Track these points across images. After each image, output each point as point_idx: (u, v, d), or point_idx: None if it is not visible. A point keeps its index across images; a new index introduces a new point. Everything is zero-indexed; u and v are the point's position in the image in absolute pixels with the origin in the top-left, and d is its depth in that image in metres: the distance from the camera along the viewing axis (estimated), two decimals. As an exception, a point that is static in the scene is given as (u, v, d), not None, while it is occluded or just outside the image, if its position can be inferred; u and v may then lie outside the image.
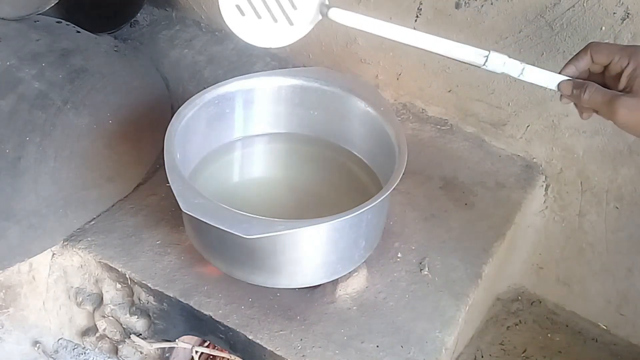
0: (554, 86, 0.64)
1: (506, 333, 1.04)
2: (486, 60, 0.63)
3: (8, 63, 0.95)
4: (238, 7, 0.66)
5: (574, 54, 0.64)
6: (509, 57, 0.63)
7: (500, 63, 0.63)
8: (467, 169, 0.99)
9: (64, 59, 1.00)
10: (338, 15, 0.67)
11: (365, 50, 1.04)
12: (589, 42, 0.63)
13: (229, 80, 0.85)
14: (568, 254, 1.03)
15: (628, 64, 0.59)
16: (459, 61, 0.65)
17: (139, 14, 1.22)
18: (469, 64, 0.64)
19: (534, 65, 0.64)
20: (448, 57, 0.65)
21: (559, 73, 0.64)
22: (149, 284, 0.81)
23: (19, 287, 0.91)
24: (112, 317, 0.89)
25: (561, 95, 0.64)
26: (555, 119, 0.94)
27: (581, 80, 0.62)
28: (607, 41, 0.79)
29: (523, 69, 0.63)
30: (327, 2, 0.67)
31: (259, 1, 0.66)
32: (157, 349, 0.89)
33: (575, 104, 0.65)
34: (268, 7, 0.66)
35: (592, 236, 0.99)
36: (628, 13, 0.81)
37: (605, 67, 0.62)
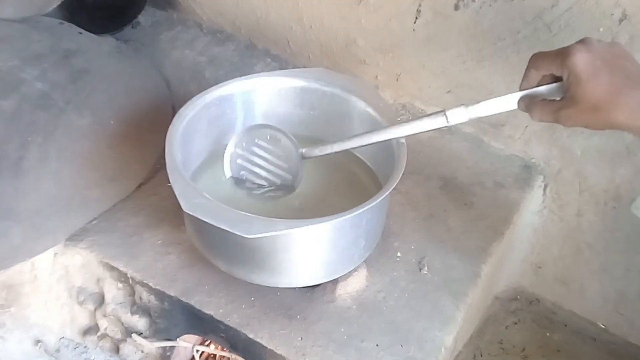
0: (514, 107, 0.66)
1: (505, 332, 1.05)
2: (447, 119, 0.68)
3: (10, 64, 0.96)
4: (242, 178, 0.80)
5: (525, 70, 0.65)
6: (465, 106, 0.67)
7: (462, 114, 0.67)
8: (466, 169, 1.00)
9: (66, 60, 1.01)
10: (312, 154, 0.79)
11: (365, 51, 1.05)
12: (532, 55, 0.64)
13: (230, 81, 0.85)
14: (566, 254, 1.04)
15: (563, 71, 0.60)
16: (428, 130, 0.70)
17: (140, 15, 1.22)
18: (436, 129, 0.69)
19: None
20: (416, 133, 0.71)
21: (520, 89, 0.65)
22: (150, 283, 0.81)
23: (21, 287, 0.92)
24: (114, 316, 0.90)
25: None
26: (554, 119, 0.95)
27: (527, 100, 0.65)
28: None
29: (483, 106, 0.66)
30: (304, 153, 0.79)
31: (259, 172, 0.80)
32: (158, 347, 0.90)
33: None
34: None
35: (590, 236, 1.00)
36: (625, 14, 0.81)
37: None
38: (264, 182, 0.81)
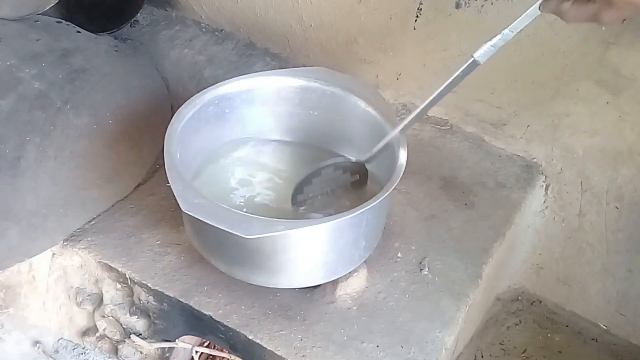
0: (538, 12, 0.66)
1: (506, 333, 1.04)
2: (475, 60, 0.70)
3: (8, 63, 0.95)
4: None
5: None
6: (489, 40, 0.68)
7: (488, 50, 0.69)
8: (467, 168, 0.99)
9: (64, 59, 1.00)
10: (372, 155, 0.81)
11: (365, 50, 1.04)
12: None
13: (229, 80, 0.85)
14: (568, 254, 1.03)
15: None
16: (464, 76, 0.73)
17: (139, 14, 1.22)
18: (471, 72, 0.71)
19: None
20: (455, 86, 0.74)
21: None
22: (149, 284, 0.81)
23: (19, 287, 0.91)
24: (112, 317, 0.89)
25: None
26: (556, 118, 0.94)
27: (555, 3, 0.64)
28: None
29: (509, 32, 0.67)
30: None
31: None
32: (157, 348, 0.89)
33: None
34: None
35: (592, 236, 0.99)
36: (628, 13, 0.81)
37: None
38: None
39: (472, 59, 0.69)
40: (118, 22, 1.19)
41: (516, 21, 0.67)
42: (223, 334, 0.78)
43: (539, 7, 0.65)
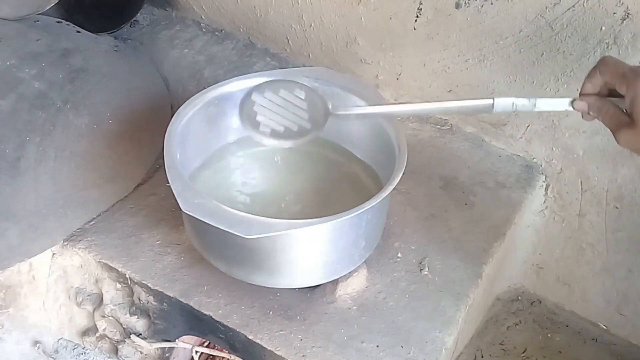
0: (568, 107, 0.64)
1: (506, 333, 1.04)
2: (493, 106, 0.66)
3: (8, 63, 0.95)
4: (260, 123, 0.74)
5: (590, 70, 0.63)
6: (516, 97, 0.65)
7: (508, 104, 0.65)
8: (467, 168, 0.99)
9: (64, 59, 1.00)
10: (339, 110, 0.76)
11: (365, 50, 1.04)
12: (602, 57, 0.62)
13: (229, 80, 0.85)
14: (568, 254, 1.03)
15: (627, 91, 0.59)
16: (472, 113, 0.67)
17: (139, 14, 1.22)
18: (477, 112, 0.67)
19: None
20: (461, 113, 0.68)
21: (580, 92, 0.63)
22: (149, 284, 0.81)
23: (19, 287, 0.91)
24: (112, 317, 0.89)
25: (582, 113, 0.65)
26: (555, 119, 0.94)
27: (595, 102, 0.62)
28: (613, 55, 0.71)
29: (534, 104, 0.65)
30: (331, 109, 0.75)
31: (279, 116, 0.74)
32: (157, 349, 0.89)
33: None
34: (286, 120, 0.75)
35: (592, 236, 0.99)
36: (628, 13, 0.81)
37: None
38: (279, 127, 0.74)
39: (492, 102, 0.66)
40: (118, 22, 1.19)
41: (545, 101, 0.64)
42: (223, 334, 0.78)
43: (571, 104, 0.64)
